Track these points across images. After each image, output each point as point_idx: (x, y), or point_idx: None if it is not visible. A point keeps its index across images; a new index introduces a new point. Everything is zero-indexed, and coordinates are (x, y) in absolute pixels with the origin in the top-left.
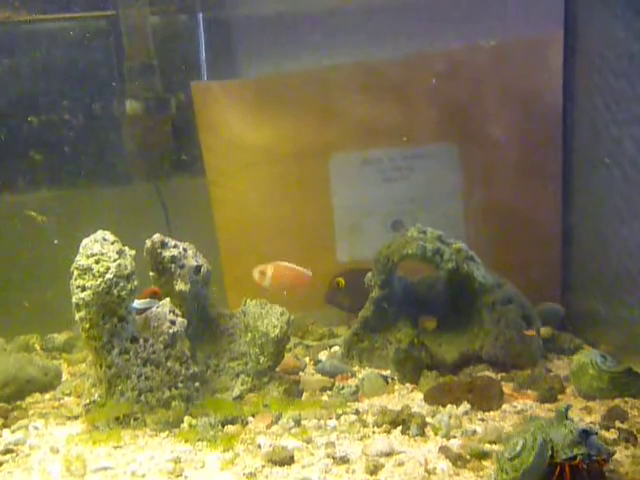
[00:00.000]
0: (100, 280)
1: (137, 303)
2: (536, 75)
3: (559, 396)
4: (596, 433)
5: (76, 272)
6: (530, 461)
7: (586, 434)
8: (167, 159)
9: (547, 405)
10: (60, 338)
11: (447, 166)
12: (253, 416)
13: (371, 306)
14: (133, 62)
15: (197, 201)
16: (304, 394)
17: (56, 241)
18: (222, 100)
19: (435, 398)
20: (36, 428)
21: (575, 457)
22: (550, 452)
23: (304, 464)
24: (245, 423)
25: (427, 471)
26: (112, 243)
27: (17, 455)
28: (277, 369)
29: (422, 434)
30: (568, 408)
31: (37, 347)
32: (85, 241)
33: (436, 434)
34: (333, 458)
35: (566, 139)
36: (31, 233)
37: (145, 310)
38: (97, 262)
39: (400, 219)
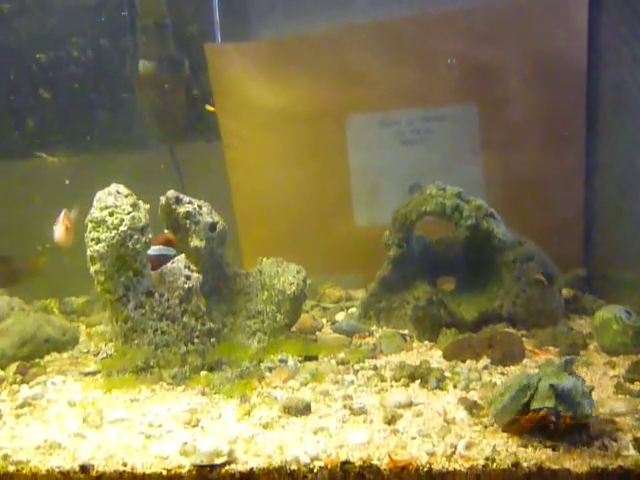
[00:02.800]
0: (114, 232)
1: (151, 249)
2: (559, 34)
3: (582, 352)
4: (563, 390)
5: (90, 225)
6: (502, 403)
7: (553, 389)
8: (181, 121)
9: None
10: (78, 301)
11: (467, 128)
12: (270, 371)
13: (389, 265)
14: (146, 22)
15: (212, 165)
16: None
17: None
18: (237, 62)
19: (454, 354)
20: (54, 384)
21: (541, 409)
22: (527, 399)
23: (321, 414)
24: (262, 378)
25: (446, 421)
26: (126, 196)
27: (34, 408)
28: (294, 329)
29: (441, 387)
30: (571, 360)
31: (55, 310)
32: (99, 194)
33: (455, 387)
34: (350, 409)
35: (590, 95)
36: (48, 199)
37: (158, 257)
38: (111, 214)
39: (418, 182)
